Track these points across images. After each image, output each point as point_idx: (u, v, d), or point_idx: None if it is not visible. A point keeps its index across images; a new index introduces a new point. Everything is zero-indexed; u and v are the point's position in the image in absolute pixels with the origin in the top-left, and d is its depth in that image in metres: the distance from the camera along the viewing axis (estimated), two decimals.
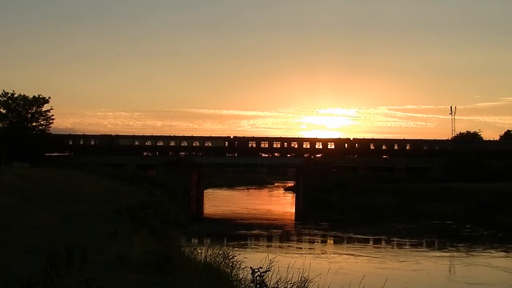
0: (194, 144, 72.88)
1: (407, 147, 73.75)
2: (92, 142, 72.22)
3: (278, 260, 12.34)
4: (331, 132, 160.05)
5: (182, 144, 72.69)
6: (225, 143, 73.49)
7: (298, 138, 75.89)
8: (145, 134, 75.30)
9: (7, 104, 65.19)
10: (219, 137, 74.95)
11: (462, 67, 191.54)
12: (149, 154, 73.44)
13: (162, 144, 72.95)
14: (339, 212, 48.87)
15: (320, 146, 73.78)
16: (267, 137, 75.80)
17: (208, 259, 12.48)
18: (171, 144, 72.77)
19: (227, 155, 73.63)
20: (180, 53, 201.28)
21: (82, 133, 75.85)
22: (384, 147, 74.54)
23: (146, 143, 73.04)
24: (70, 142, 72.54)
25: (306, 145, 73.72)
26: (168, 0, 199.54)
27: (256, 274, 9.11)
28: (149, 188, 43.55)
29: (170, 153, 71.69)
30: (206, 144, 73.30)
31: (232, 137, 74.99)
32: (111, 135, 74.02)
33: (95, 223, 15.36)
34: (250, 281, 9.53)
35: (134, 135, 74.70)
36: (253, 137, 75.35)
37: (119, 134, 75.08)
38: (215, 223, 38.71)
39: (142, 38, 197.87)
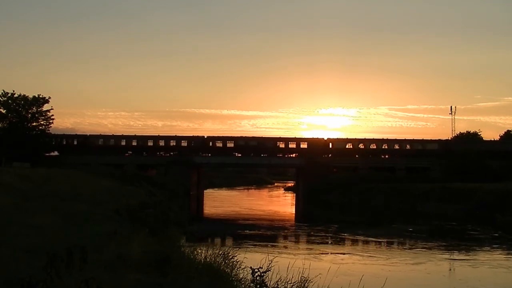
0: (395, 147, 74.06)
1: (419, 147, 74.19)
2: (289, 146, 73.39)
3: (278, 260, 12.35)
4: (332, 132, 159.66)
5: (384, 147, 73.85)
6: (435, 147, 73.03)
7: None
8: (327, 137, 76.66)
9: (7, 104, 65.21)
10: (430, 140, 74.66)
11: (462, 67, 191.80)
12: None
13: (351, 146, 74.21)
14: (339, 212, 48.87)
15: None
16: None
17: (208, 259, 12.48)
18: (360, 147, 73.92)
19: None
20: (180, 53, 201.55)
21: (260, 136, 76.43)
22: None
23: (348, 146, 74.12)
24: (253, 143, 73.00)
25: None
26: (168, 0, 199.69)
27: (256, 274, 9.12)
28: (149, 188, 43.52)
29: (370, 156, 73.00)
30: (407, 147, 73.81)
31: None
32: (300, 138, 75.49)
33: (95, 223, 15.35)
34: (250, 281, 9.54)
35: (342, 139, 75.94)
36: None
37: (304, 137, 76.01)
38: (215, 223, 38.73)
39: (142, 38, 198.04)
